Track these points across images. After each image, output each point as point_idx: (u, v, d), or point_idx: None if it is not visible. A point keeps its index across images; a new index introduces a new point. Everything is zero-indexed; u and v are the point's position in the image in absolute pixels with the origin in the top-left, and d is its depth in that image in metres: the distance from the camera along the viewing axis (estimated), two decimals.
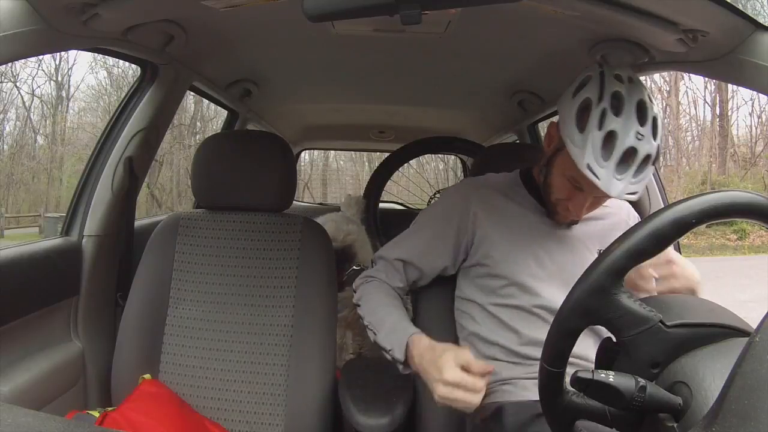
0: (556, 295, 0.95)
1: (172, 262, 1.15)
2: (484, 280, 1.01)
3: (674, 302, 0.60)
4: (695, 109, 13.45)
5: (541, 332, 0.90)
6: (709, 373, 0.47)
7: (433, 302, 1.10)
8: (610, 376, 0.48)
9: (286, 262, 1.14)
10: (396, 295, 1.02)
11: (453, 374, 0.76)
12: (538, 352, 0.90)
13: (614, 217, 1.05)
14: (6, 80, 11.65)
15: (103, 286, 1.26)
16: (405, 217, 1.48)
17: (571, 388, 0.54)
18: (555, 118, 0.98)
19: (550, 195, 0.98)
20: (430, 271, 1.04)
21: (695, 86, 13.14)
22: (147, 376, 1.08)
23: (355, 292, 1.04)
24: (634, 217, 1.08)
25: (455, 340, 1.05)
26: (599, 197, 0.92)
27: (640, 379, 0.48)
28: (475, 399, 0.76)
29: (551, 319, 0.88)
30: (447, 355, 0.79)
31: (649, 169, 0.87)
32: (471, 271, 1.04)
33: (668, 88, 12.66)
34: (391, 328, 0.91)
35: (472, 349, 0.99)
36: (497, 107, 1.95)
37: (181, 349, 1.12)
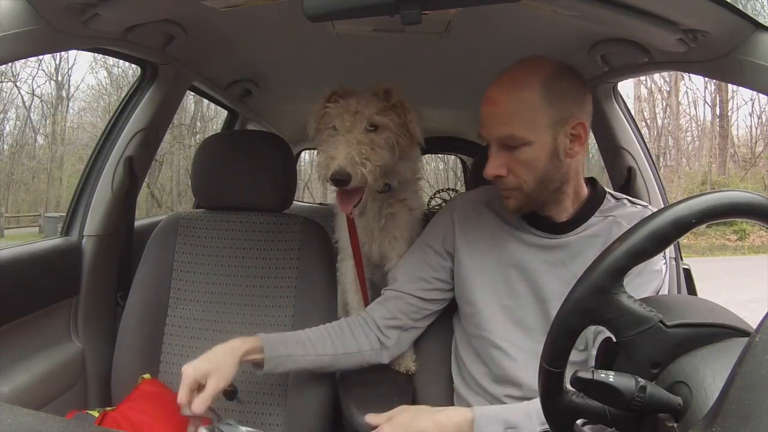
0: (519, 330, 0.90)
1: (172, 262, 1.15)
2: (461, 304, 0.98)
3: (674, 302, 0.60)
4: (695, 109, 13.49)
5: (511, 369, 0.87)
6: (709, 373, 0.47)
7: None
8: (610, 376, 0.48)
9: (286, 262, 1.14)
10: (346, 327, 1.00)
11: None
12: (509, 392, 0.88)
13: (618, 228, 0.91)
14: (6, 80, 11.66)
15: (103, 286, 1.27)
16: None
17: (571, 388, 0.54)
18: None
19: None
20: (415, 288, 0.99)
21: (695, 86, 13.17)
22: (147, 375, 1.07)
23: None
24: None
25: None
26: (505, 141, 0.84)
27: (640, 379, 0.48)
28: None
29: (519, 356, 0.87)
30: (206, 355, 0.86)
31: None
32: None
33: (668, 88, 12.67)
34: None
35: (457, 379, 0.99)
36: None
37: (181, 349, 1.12)
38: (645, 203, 0.94)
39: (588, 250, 0.87)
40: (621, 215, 0.89)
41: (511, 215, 0.93)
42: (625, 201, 0.93)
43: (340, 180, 0.94)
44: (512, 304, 0.91)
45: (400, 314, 0.99)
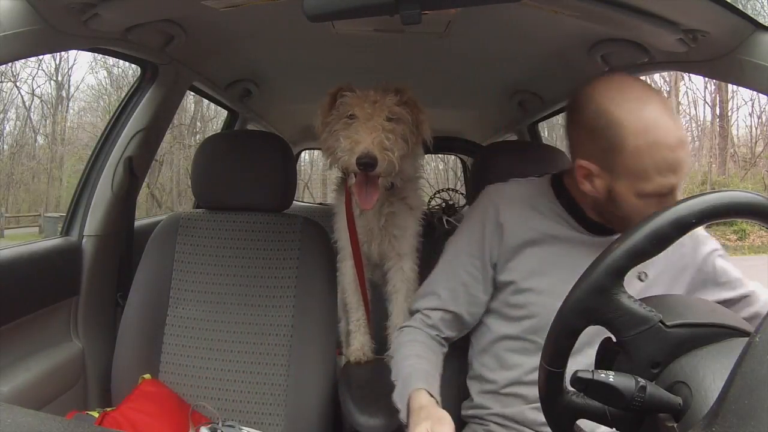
0: None
1: (172, 262, 1.15)
2: (506, 310, 0.92)
3: (674, 302, 0.60)
4: (695, 109, 13.45)
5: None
6: (709, 373, 0.47)
7: None
8: (610, 376, 0.48)
9: (286, 262, 1.14)
10: (426, 340, 0.93)
11: None
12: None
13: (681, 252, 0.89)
14: (6, 80, 11.65)
15: (103, 286, 1.26)
16: None
17: (571, 388, 0.54)
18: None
19: (629, 221, 0.80)
20: (470, 315, 0.95)
21: (695, 86, 13.14)
22: (147, 376, 1.08)
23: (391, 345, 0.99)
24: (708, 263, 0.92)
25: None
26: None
27: (640, 379, 0.48)
28: None
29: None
30: (420, 427, 0.72)
31: None
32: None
33: (668, 88, 12.65)
34: (401, 385, 0.85)
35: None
36: (497, 107, 1.96)
37: (181, 349, 1.12)
38: None
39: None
40: None
41: (557, 214, 0.90)
42: None
43: (367, 163, 0.93)
44: None
45: (454, 330, 0.97)
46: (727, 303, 0.87)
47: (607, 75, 0.86)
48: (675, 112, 0.78)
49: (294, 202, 1.23)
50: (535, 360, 0.79)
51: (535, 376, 0.83)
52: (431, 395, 0.80)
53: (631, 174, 0.77)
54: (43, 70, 12.46)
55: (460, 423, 0.97)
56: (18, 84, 12.00)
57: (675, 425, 0.47)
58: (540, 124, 2.10)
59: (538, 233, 0.90)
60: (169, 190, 12.20)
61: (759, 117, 12.65)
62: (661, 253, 0.81)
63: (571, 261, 0.83)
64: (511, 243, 0.91)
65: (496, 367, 0.92)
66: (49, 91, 12.71)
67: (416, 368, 0.86)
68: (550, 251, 0.89)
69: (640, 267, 0.81)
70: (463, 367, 1.01)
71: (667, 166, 0.76)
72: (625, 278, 0.51)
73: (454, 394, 0.99)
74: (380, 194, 1.09)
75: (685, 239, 0.84)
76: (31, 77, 12.32)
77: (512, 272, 0.91)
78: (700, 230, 0.89)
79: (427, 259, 1.19)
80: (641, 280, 0.87)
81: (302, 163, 9.03)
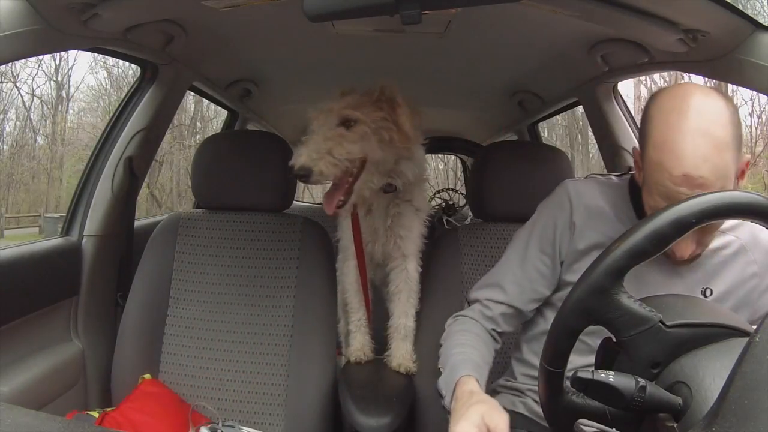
0: None
1: (172, 262, 1.15)
2: None
3: (674, 302, 0.60)
4: None
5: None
6: (709, 373, 0.47)
7: None
8: (610, 376, 0.48)
9: (286, 262, 1.14)
10: (480, 333, 0.91)
11: (464, 430, 0.65)
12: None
13: (728, 249, 0.84)
14: (6, 80, 11.66)
15: (103, 286, 1.26)
16: None
17: (571, 388, 0.54)
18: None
19: None
20: (530, 310, 0.93)
21: None
22: (147, 376, 1.08)
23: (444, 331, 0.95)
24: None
25: None
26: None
27: (640, 379, 0.48)
28: None
29: None
30: (474, 409, 0.67)
31: None
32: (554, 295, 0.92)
33: None
34: (448, 371, 0.82)
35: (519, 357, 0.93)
36: (497, 107, 1.96)
37: (181, 349, 1.12)
38: None
39: (706, 262, 0.83)
40: (728, 227, 0.85)
41: (629, 218, 0.86)
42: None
43: (300, 175, 0.97)
44: None
45: (512, 325, 0.95)
46: None
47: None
48: (720, 146, 0.70)
49: (294, 202, 1.23)
50: (586, 360, 0.79)
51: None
52: (479, 385, 0.78)
53: (646, 174, 0.77)
54: (43, 71, 12.47)
55: (489, 391, 0.95)
56: (18, 84, 12.01)
57: (675, 425, 0.47)
58: (540, 124, 2.10)
59: (606, 237, 0.85)
60: (169, 190, 12.20)
61: (759, 117, 12.64)
62: (722, 265, 0.83)
63: (635, 270, 0.81)
64: (579, 245, 0.88)
65: None
66: (49, 92, 12.72)
67: (467, 356, 0.84)
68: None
69: (702, 282, 0.83)
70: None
71: (665, 193, 0.73)
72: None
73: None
74: (379, 197, 1.10)
75: (749, 243, 0.83)
76: (31, 77, 12.33)
77: (577, 274, 0.86)
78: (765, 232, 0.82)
79: (428, 260, 1.19)
80: (705, 296, 0.83)
81: None
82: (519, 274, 0.92)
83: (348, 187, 1.02)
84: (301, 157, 0.96)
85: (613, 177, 0.93)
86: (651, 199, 0.76)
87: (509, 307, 0.92)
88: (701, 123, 0.70)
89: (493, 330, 0.92)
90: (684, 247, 0.76)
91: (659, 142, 0.73)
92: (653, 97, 0.77)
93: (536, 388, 0.86)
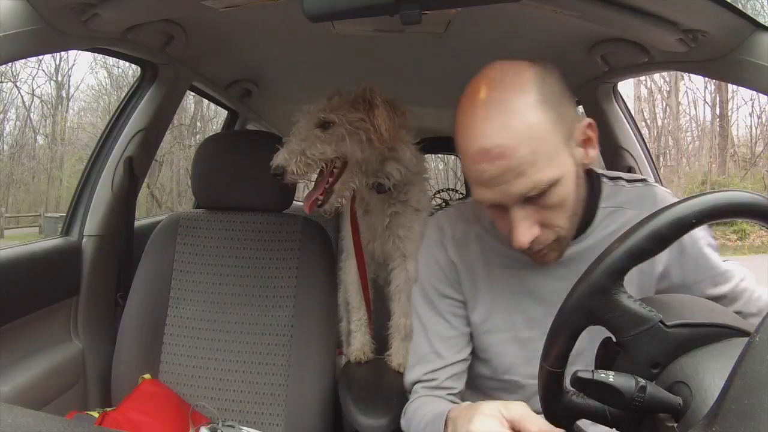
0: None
1: (172, 262, 1.15)
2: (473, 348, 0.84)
3: (674, 302, 0.60)
4: (695, 109, 13.47)
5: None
6: (709, 373, 0.47)
7: None
8: (610, 376, 0.48)
9: (286, 262, 1.14)
10: (439, 401, 0.80)
11: (484, 425, 0.56)
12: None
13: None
14: (6, 80, 11.66)
15: (103, 286, 1.27)
16: None
17: (571, 388, 0.53)
18: None
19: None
20: (468, 354, 0.84)
21: (695, 86, 13.16)
22: (147, 376, 1.08)
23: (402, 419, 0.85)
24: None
25: None
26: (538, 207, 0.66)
27: (640, 379, 0.48)
28: None
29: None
30: (486, 404, 0.59)
31: None
32: None
33: (668, 88, 12.66)
34: (431, 424, 0.72)
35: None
36: None
37: (181, 349, 1.12)
38: (642, 177, 0.83)
39: (601, 250, 0.78)
40: (625, 202, 0.78)
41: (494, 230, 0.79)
42: (622, 182, 0.81)
43: (275, 174, 1.00)
44: (531, 334, 0.78)
45: (464, 381, 0.85)
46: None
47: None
48: (519, 109, 0.63)
49: (294, 202, 1.23)
50: (517, 397, 0.75)
51: None
52: None
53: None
54: (43, 70, 12.50)
55: None
56: (18, 84, 12.02)
57: (675, 425, 0.47)
58: None
59: (486, 259, 0.80)
60: (169, 190, 12.20)
61: (759, 117, 12.66)
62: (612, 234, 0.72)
63: (518, 284, 0.77)
64: (466, 282, 0.82)
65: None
66: (49, 91, 12.73)
67: (441, 407, 0.74)
68: (501, 277, 0.79)
69: None
70: None
71: (474, 177, 0.66)
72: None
73: None
74: (374, 197, 1.11)
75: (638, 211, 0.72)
76: (31, 77, 12.34)
77: (479, 315, 0.82)
78: None
79: None
80: None
81: None
82: (441, 329, 0.82)
83: (328, 186, 1.04)
84: (277, 158, 1.00)
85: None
86: (473, 192, 0.68)
87: (452, 366, 0.81)
88: (492, 93, 0.65)
89: (449, 394, 0.82)
90: (522, 230, 0.66)
91: (457, 130, 0.68)
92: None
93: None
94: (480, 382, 0.85)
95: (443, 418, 0.68)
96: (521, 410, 0.57)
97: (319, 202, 1.05)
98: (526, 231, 0.66)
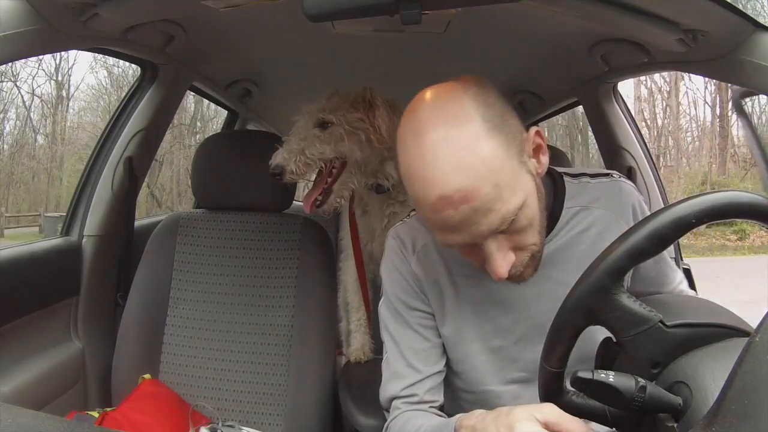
0: (514, 368, 0.76)
1: (172, 262, 1.15)
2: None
3: (674, 302, 0.60)
4: (695, 109, 13.50)
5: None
6: (709, 373, 0.47)
7: None
8: (610, 376, 0.48)
9: (286, 262, 1.14)
10: (424, 414, 0.76)
11: (527, 429, 0.53)
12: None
13: (603, 222, 0.76)
14: (6, 80, 11.66)
15: (103, 286, 1.26)
16: None
17: (571, 388, 0.54)
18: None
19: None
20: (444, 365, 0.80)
21: (695, 87, 13.17)
22: (147, 376, 1.08)
23: None
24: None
25: None
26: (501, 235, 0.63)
27: (640, 379, 0.48)
28: None
29: (523, 396, 0.72)
30: (519, 410, 0.55)
31: None
32: None
33: (668, 89, 12.67)
34: None
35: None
36: None
37: (181, 349, 1.12)
38: (606, 171, 0.81)
39: (571, 252, 0.74)
40: (591, 200, 0.77)
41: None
42: (586, 178, 0.79)
43: (274, 174, 1.03)
44: (502, 343, 0.76)
45: (443, 393, 0.81)
46: None
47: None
48: (470, 143, 0.59)
49: (294, 202, 1.23)
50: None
51: None
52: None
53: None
54: (43, 70, 12.48)
55: None
56: (18, 84, 12.02)
57: (675, 425, 0.47)
58: (540, 124, 2.10)
59: (453, 275, 0.78)
60: (169, 190, 12.21)
61: (759, 117, 12.65)
62: (592, 247, 0.71)
63: (488, 300, 0.75)
64: (432, 295, 0.79)
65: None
66: (49, 91, 12.73)
67: (437, 419, 0.72)
68: (468, 293, 0.77)
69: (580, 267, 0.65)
70: None
71: (437, 226, 0.63)
72: None
73: None
74: (372, 197, 1.11)
75: (612, 212, 0.75)
76: (31, 77, 12.34)
77: (451, 328, 0.79)
78: None
79: None
80: None
81: None
82: (413, 342, 0.78)
83: (327, 186, 1.06)
84: (276, 157, 1.01)
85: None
86: (438, 238, 0.65)
87: (430, 378, 0.77)
88: (437, 132, 0.60)
89: (431, 407, 0.77)
90: (498, 262, 0.63)
91: (406, 176, 0.63)
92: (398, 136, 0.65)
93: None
94: (457, 395, 0.82)
95: (450, 428, 0.64)
96: (555, 411, 0.54)
97: (318, 202, 1.05)
98: (502, 262, 0.64)
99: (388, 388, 0.79)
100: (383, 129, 1.04)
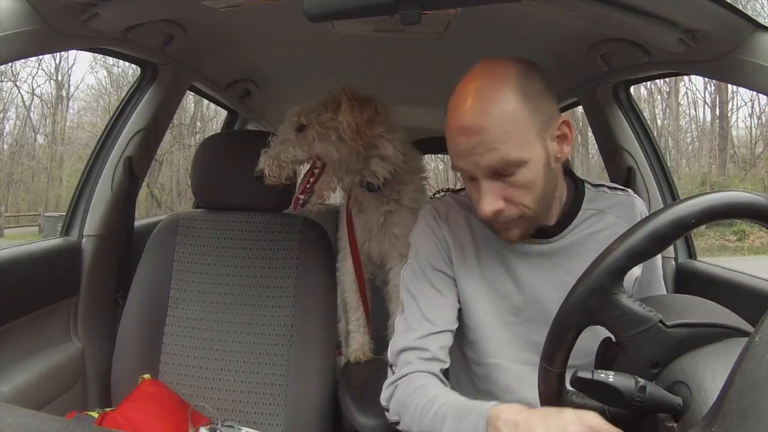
0: (524, 346, 0.81)
1: (171, 262, 1.15)
2: (460, 329, 0.85)
3: (674, 302, 0.60)
4: (695, 110, 13.47)
5: (523, 389, 0.77)
6: (709, 373, 0.47)
7: None
8: (609, 376, 0.48)
9: (286, 262, 1.14)
10: (438, 381, 0.78)
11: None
12: None
13: (615, 228, 0.80)
14: (6, 80, 11.66)
15: (103, 286, 1.26)
16: None
17: (571, 388, 0.54)
18: None
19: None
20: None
21: (695, 87, 13.15)
22: (147, 376, 1.08)
23: (387, 410, 0.80)
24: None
25: None
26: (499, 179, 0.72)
27: (640, 379, 0.48)
28: None
29: (527, 373, 0.74)
30: (568, 413, 0.54)
31: None
32: None
33: (668, 89, 12.68)
34: (454, 419, 0.66)
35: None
36: None
37: (181, 349, 1.12)
38: (623, 187, 0.88)
39: (584, 248, 0.80)
40: (607, 207, 0.83)
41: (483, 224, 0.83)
42: (604, 188, 0.87)
43: (257, 177, 1.07)
44: (514, 319, 0.82)
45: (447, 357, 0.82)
46: None
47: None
48: (499, 98, 0.71)
49: None
50: (501, 384, 0.79)
51: (511, 397, 0.78)
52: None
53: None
54: (43, 70, 12.51)
55: None
56: (18, 84, 12.02)
57: (675, 425, 0.47)
58: None
59: (476, 245, 0.84)
60: (169, 190, 12.21)
61: (759, 118, 12.67)
62: (594, 238, 0.77)
63: (504, 271, 0.81)
64: (457, 263, 0.85)
65: (471, 392, 0.83)
66: (49, 91, 12.74)
67: (457, 397, 0.71)
68: (487, 263, 0.83)
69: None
70: None
71: (453, 149, 0.75)
72: None
73: None
74: (366, 196, 1.13)
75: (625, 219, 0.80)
76: (31, 76, 12.35)
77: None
78: None
79: None
80: None
81: None
82: (432, 298, 0.82)
83: (309, 186, 1.09)
84: (259, 162, 1.07)
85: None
86: (452, 161, 0.77)
87: (443, 334, 0.80)
88: (478, 83, 0.74)
89: (441, 370, 0.79)
90: (487, 200, 0.72)
91: (447, 111, 0.76)
92: None
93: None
94: (468, 368, 0.86)
95: (478, 416, 0.63)
96: (599, 419, 0.54)
97: (301, 202, 1.09)
98: (491, 202, 0.73)
99: (399, 341, 0.82)
100: (345, 124, 1.05)
